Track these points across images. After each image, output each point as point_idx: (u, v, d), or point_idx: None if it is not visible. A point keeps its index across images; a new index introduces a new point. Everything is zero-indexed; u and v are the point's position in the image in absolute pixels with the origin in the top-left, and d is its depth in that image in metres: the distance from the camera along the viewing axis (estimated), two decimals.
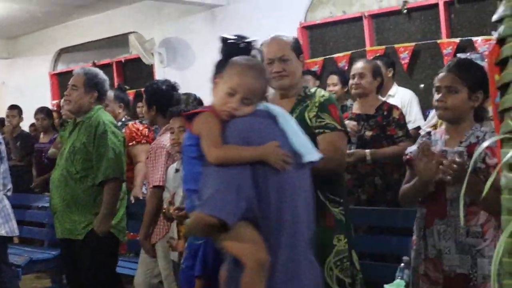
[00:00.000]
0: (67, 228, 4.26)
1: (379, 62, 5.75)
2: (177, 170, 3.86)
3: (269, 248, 2.30)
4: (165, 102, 4.30)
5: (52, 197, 4.35)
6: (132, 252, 5.81)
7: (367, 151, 4.23)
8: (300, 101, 3.22)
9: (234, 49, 2.59)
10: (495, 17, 1.61)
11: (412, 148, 3.13)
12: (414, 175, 3.02)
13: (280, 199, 2.32)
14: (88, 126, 4.25)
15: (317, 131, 3.11)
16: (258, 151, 2.32)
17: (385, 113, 4.38)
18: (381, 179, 4.35)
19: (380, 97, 4.71)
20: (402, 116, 4.43)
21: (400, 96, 5.72)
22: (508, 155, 1.53)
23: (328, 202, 3.14)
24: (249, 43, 2.64)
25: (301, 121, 3.10)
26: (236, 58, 2.51)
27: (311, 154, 2.46)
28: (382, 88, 4.70)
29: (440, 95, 2.93)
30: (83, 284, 4.31)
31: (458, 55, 4.38)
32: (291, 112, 3.17)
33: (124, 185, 4.39)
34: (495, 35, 1.62)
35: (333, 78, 6.02)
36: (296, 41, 3.31)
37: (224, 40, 2.69)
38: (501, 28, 1.58)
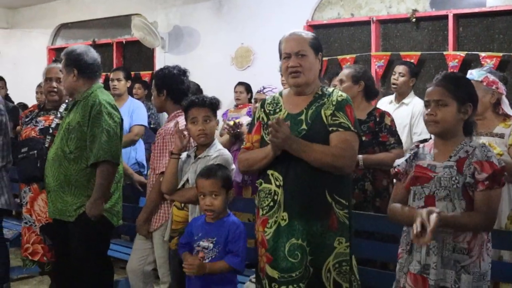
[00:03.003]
0: (58, 209, 4.20)
1: (406, 68, 5.77)
2: (188, 156, 3.83)
3: None
4: (176, 87, 4.24)
5: (47, 175, 4.28)
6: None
7: (360, 156, 4.18)
8: (317, 99, 3.23)
9: None
10: None
11: (400, 161, 3.13)
12: (403, 189, 3.05)
13: None
14: (84, 105, 4.17)
15: (331, 129, 3.14)
16: None
17: (377, 119, 4.39)
18: (371, 184, 4.37)
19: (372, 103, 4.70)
20: (393, 123, 4.44)
21: (412, 106, 5.71)
22: None
23: (334, 203, 3.14)
24: None
25: (317, 118, 3.16)
26: None
27: None
28: (372, 94, 4.63)
29: (429, 109, 2.94)
30: (72, 266, 4.24)
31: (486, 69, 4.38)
32: (307, 108, 3.20)
33: (120, 167, 4.30)
34: None
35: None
36: (315, 38, 3.31)
37: None
38: None
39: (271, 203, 3.18)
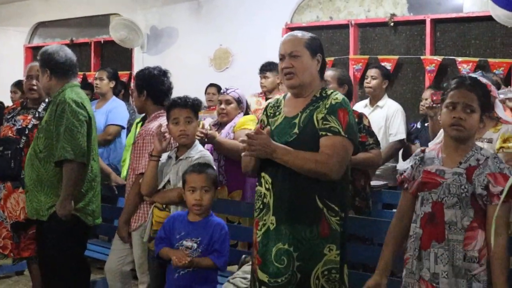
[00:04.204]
0: (34, 208, 4.19)
1: (378, 71, 5.84)
2: (169, 157, 3.83)
3: None
4: (156, 88, 4.23)
5: (25, 175, 4.29)
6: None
7: None
8: (313, 102, 3.15)
9: None
10: None
11: (405, 167, 3.06)
12: (410, 196, 3.00)
13: None
14: (53, 104, 4.18)
15: (320, 133, 3.04)
16: None
17: (356, 120, 4.43)
18: (351, 184, 4.38)
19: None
20: (370, 124, 4.53)
21: (387, 108, 5.77)
22: None
23: (325, 209, 3.05)
24: None
25: (309, 121, 3.08)
26: None
27: None
28: (350, 98, 4.67)
29: (458, 112, 2.83)
30: (47, 265, 4.23)
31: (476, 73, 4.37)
32: (302, 111, 3.13)
33: (95, 166, 4.26)
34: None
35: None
36: (313, 39, 3.20)
37: None
38: None
39: (261, 206, 3.15)
